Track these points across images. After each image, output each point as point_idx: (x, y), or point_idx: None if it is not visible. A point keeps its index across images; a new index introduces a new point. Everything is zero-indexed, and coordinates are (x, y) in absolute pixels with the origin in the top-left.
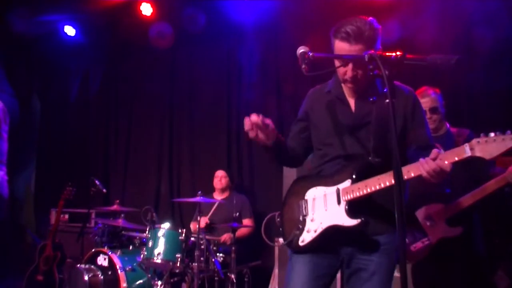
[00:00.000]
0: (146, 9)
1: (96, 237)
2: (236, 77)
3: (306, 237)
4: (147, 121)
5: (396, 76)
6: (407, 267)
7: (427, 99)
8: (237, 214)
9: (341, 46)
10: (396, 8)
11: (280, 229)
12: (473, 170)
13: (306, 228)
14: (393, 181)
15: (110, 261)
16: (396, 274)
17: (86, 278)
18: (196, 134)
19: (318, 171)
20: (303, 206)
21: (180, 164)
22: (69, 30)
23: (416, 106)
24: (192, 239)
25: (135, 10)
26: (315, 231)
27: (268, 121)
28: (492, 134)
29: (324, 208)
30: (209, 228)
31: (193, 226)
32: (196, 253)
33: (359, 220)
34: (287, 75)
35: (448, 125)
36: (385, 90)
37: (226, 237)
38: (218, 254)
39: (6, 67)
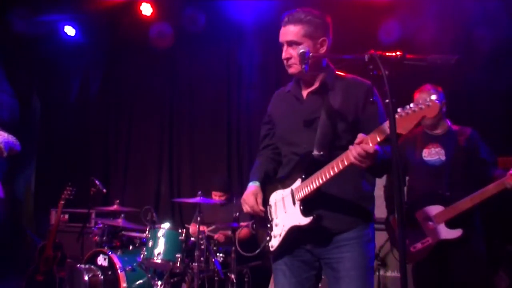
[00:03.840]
0: (146, 9)
1: (96, 237)
2: (236, 77)
3: (274, 243)
4: (147, 121)
5: (396, 76)
6: (407, 268)
7: (422, 95)
8: (237, 214)
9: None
10: (396, 8)
11: (256, 237)
12: (474, 172)
13: (273, 234)
14: (331, 172)
15: (110, 261)
16: (396, 274)
17: (86, 278)
18: (196, 134)
19: (279, 173)
20: (269, 211)
21: (180, 164)
22: (69, 30)
23: (368, 97)
24: (192, 239)
25: (135, 10)
26: (280, 235)
27: (260, 203)
28: (407, 107)
29: (284, 211)
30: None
31: (192, 227)
32: (196, 253)
33: (311, 218)
34: (287, 75)
35: (450, 123)
36: (385, 90)
37: (219, 235)
38: (218, 254)
39: (6, 67)
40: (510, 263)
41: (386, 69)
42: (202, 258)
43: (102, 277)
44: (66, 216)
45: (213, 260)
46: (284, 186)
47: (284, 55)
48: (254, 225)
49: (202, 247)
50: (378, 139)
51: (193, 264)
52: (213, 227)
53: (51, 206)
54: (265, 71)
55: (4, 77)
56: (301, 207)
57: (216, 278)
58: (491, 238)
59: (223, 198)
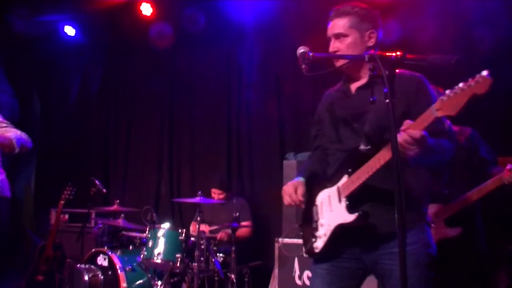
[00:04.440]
0: (146, 9)
1: (96, 237)
2: (236, 77)
3: (319, 244)
4: (147, 121)
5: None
6: None
7: None
8: (237, 214)
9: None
10: (396, 8)
11: (302, 239)
12: (472, 170)
13: (318, 234)
14: (377, 165)
15: (110, 261)
16: None
17: (86, 278)
18: (196, 134)
19: (325, 172)
20: (315, 212)
21: (180, 164)
22: (69, 30)
23: (420, 90)
24: (192, 239)
25: (135, 10)
26: (325, 235)
27: (300, 194)
28: (455, 87)
29: (330, 210)
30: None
31: (193, 226)
32: (196, 253)
33: (357, 214)
34: (287, 75)
35: (449, 123)
36: (385, 90)
37: (221, 234)
38: (218, 254)
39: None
40: (510, 263)
41: (386, 69)
42: (202, 258)
43: (102, 277)
44: (66, 216)
45: (213, 260)
46: (331, 184)
47: (331, 49)
48: (300, 228)
49: (202, 247)
50: (425, 124)
51: (193, 264)
52: (215, 227)
53: (51, 206)
54: (265, 71)
55: (4, 77)
56: (347, 203)
57: (216, 278)
58: (491, 238)
59: (221, 196)
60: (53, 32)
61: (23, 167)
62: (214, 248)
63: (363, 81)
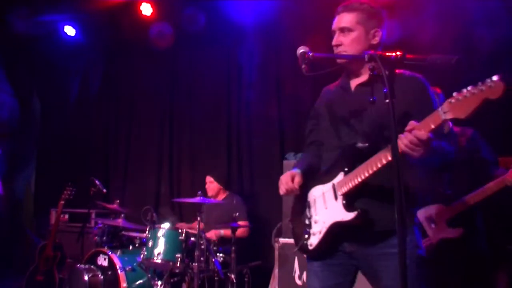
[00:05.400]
0: (146, 9)
1: (96, 237)
2: (236, 77)
3: (313, 241)
4: (147, 121)
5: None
6: None
7: None
8: (237, 214)
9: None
10: (396, 8)
11: (293, 235)
12: (474, 171)
13: (312, 231)
14: (379, 164)
15: (110, 261)
16: None
17: (86, 278)
18: (196, 134)
19: (320, 168)
20: (307, 208)
21: (180, 164)
22: (69, 30)
23: (420, 91)
24: (192, 239)
25: (135, 10)
26: (320, 232)
27: (297, 183)
28: (464, 90)
29: (324, 207)
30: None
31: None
32: (196, 253)
33: (355, 213)
34: (287, 75)
35: (451, 124)
36: (385, 90)
37: (211, 233)
38: (218, 254)
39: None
40: (510, 263)
41: (386, 69)
42: (202, 258)
43: (102, 277)
44: (66, 216)
45: (213, 260)
46: (324, 181)
47: (334, 42)
48: (290, 223)
49: (202, 247)
50: (432, 126)
51: (193, 264)
52: (222, 232)
53: (51, 206)
54: (265, 71)
55: (4, 77)
56: (344, 202)
57: (216, 278)
58: (491, 238)
59: (213, 185)
60: (53, 32)
61: (23, 167)
62: (214, 248)
63: (363, 78)
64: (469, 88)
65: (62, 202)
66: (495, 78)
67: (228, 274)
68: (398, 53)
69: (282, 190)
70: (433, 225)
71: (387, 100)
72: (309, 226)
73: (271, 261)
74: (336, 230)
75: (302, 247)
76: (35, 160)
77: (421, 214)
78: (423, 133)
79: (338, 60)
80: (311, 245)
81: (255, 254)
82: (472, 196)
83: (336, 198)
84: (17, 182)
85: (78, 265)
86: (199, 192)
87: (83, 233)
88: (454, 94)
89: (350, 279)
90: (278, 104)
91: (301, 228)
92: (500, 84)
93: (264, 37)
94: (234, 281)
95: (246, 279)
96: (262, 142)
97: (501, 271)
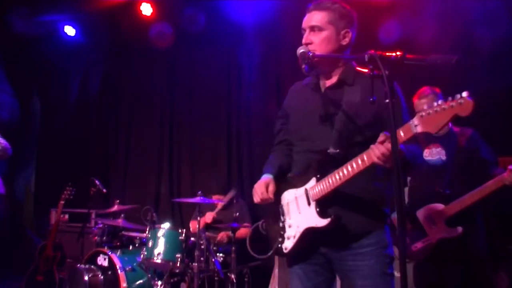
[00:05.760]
0: (146, 9)
1: (96, 237)
2: (236, 77)
3: (288, 244)
4: (147, 121)
5: (396, 76)
6: (408, 267)
7: (424, 100)
8: (237, 214)
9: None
10: (396, 8)
11: (267, 237)
12: (474, 171)
13: (286, 235)
14: (351, 172)
15: (110, 261)
16: (396, 274)
17: (86, 278)
18: (196, 134)
19: (290, 168)
20: (281, 211)
21: (180, 164)
22: (69, 30)
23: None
24: (192, 239)
25: (135, 10)
26: (294, 237)
27: (272, 192)
28: (435, 104)
29: (298, 211)
30: (214, 222)
31: (192, 225)
32: (196, 253)
33: (329, 219)
34: (287, 75)
35: (450, 124)
36: (385, 90)
37: (222, 235)
38: (218, 254)
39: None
40: (510, 263)
41: (386, 69)
42: (202, 258)
43: (102, 277)
44: (66, 216)
45: (213, 260)
46: (297, 185)
47: (304, 40)
48: (263, 225)
49: (202, 247)
50: (404, 139)
51: (193, 264)
52: (220, 222)
53: (51, 206)
54: (265, 72)
55: (4, 77)
56: (317, 209)
57: (216, 278)
58: (492, 238)
59: (225, 199)
60: (53, 32)
61: (23, 167)
62: (214, 248)
63: (333, 80)
64: (440, 102)
65: (62, 202)
66: (464, 94)
67: (228, 274)
68: (398, 53)
69: (256, 200)
70: (432, 225)
71: (387, 100)
72: (283, 229)
73: (271, 261)
74: (310, 235)
75: (277, 251)
76: (35, 160)
77: (421, 214)
78: None
79: (315, 61)
80: (286, 248)
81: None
82: (470, 195)
83: (309, 203)
84: (17, 182)
85: (78, 265)
86: (199, 192)
87: (83, 233)
88: (425, 107)
89: (330, 276)
90: (278, 104)
91: (275, 231)
92: (469, 102)
93: (264, 37)
94: (234, 281)
95: (246, 279)
96: (262, 142)
97: (501, 271)
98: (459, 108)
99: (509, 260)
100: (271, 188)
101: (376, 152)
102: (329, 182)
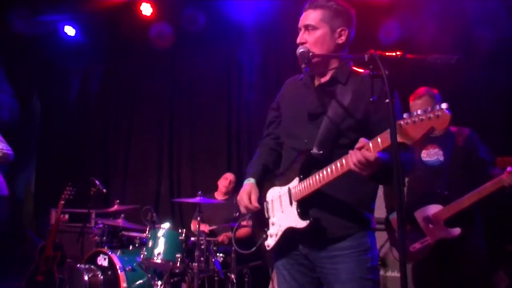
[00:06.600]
0: (146, 9)
1: (96, 237)
2: (236, 77)
3: (270, 242)
4: (147, 121)
5: (396, 76)
6: (407, 267)
7: (418, 101)
8: (237, 214)
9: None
10: (396, 8)
11: (253, 233)
12: (471, 171)
13: (269, 233)
14: (330, 175)
15: (110, 261)
16: (396, 274)
17: (86, 278)
18: (196, 134)
19: (277, 163)
20: (265, 208)
21: (180, 164)
22: (69, 30)
23: (380, 97)
24: (192, 239)
25: (135, 10)
26: (276, 235)
27: (255, 200)
28: (414, 113)
29: (281, 210)
30: (211, 233)
31: (193, 225)
32: (196, 253)
33: (308, 222)
34: (287, 75)
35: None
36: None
37: (223, 237)
38: (218, 254)
39: (6, 67)
40: (510, 263)
41: (386, 69)
42: (202, 258)
43: (102, 277)
44: (66, 216)
45: (213, 260)
46: (281, 183)
47: (298, 40)
48: (251, 221)
49: (202, 247)
50: (381, 146)
51: (193, 264)
52: (215, 226)
53: (51, 206)
54: (265, 72)
55: (4, 77)
56: (298, 210)
57: (216, 278)
58: (491, 238)
59: (232, 185)
60: (53, 32)
61: (23, 167)
62: (214, 248)
63: (326, 78)
64: (419, 112)
65: (62, 202)
66: (444, 106)
67: (228, 274)
68: (398, 53)
69: (242, 210)
70: (431, 226)
71: (387, 100)
72: (267, 226)
73: (271, 261)
74: (290, 234)
75: (260, 247)
76: (35, 160)
77: (419, 214)
78: (371, 154)
79: (313, 58)
80: (268, 246)
81: (255, 254)
82: (469, 196)
83: (291, 203)
84: (17, 182)
85: (78, 265)
86: (199, 192)
87: (83, 233)
88: (405, 115)
89: (318, 276)
90: None
91: (259, 227)
92: (446, 115)
93: (264, 37)
94: (234, 281)
95: (246, 279)
96: None
97: (500, 271)
98: (436, 120)
99: (508, 260)
100: (253, 197)
101: (352, 158)
102: (310, 183)
